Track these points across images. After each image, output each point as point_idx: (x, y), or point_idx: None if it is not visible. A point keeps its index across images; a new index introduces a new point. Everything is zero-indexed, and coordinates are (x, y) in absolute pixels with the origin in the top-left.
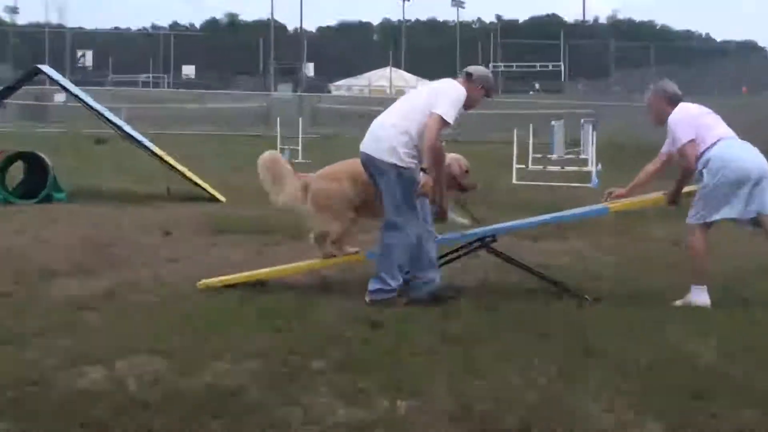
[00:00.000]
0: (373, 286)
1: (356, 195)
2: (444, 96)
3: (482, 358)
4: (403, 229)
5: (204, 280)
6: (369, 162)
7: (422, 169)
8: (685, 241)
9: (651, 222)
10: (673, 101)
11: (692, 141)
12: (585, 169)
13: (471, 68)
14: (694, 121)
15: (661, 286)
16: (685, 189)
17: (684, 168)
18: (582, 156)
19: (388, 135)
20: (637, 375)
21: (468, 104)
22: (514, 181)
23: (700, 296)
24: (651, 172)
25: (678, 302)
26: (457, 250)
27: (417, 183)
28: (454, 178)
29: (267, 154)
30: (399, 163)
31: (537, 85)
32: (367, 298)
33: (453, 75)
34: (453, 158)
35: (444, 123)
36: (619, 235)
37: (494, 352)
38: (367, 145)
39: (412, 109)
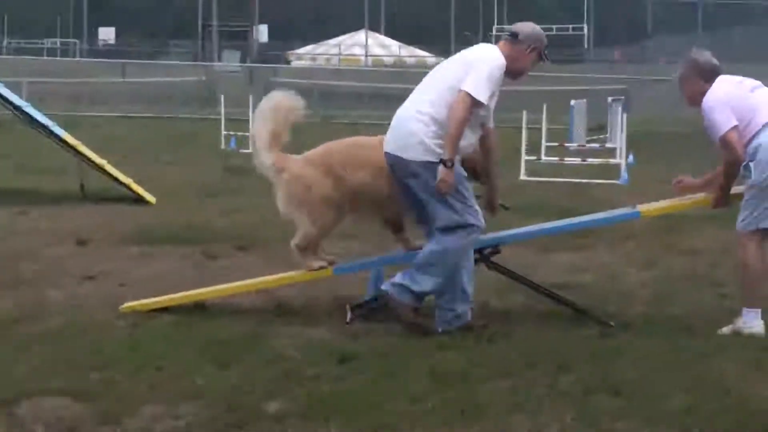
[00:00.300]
0: (446, 314)
1: (349, 187)
2: (475, 68)
3: (482, 402)
4: (462, 229)
5: (129, 303)
6: (397, 165)
7: (441, 162)
8: (736, 253)
9: (693, 229)
10: (708, 76)
11: (735, 128)
12: (612, 161)
13: (517, 26)
14: (736, 102)
15: (705, 310)
16: (734, 189)
17: (729, 161)
18: (609, 145)
19: (414, 128)
20: (672, 421)
21: (515, 72)
22: (522, 176)
23: (753, 322)
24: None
25: (725, 329)
26: None
27: (462, 175)
28: (472, 168)
29: (280, 97)
30: (433, 159)
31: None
32: (439, 329)
33: (446, 39)
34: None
35: (474, 102)
36: (654, 246)
37: (497, 393)
38: (390, 144)
39: (438, 88)
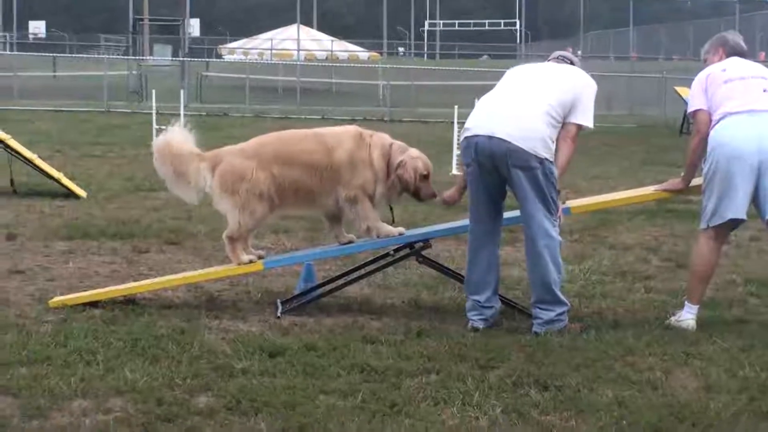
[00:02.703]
0: (546, 314)
1: (282, 180)
2: (584, 98)
3: (412, 396)
4: (555, 230)
5: (58, 297)
6: (514, 153)
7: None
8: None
9: (623, 225)
10: (728, 52)
11: (700, 111)
12: None
13: (570, 55)
14: (713, 89)
15: (633, 304)
16: (694, 181)
17: (692, 135)
18: None
19: (539, 125)
20: (601, 414)
21: None
22: (454, 171)
23: (685, 316)
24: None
25: (672, 319)
26: (378, 260)
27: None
28: (407, 184)
29: (158, 140)
30: (550, 157)
31: (485, 57)
32: (540, 330)
33: (378, 34)
34: (410, 157)
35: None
36: (585, 241)
37: (426, 387)
38: (509, 133)
39: (558, 98)
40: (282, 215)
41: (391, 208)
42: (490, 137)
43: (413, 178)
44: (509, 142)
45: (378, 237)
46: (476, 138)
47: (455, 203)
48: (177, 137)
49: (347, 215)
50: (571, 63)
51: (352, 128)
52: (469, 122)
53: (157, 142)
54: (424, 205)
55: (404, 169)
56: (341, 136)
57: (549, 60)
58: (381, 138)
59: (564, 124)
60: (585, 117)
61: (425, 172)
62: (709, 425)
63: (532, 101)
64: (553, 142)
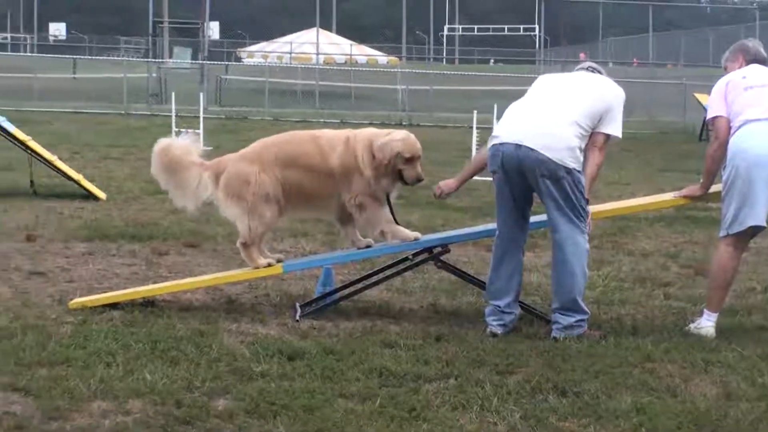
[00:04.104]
0: (566, 320)
1: (285, 183)
2: (614, 110)
3: (430, 401)
4: (584, 237)
5: (77, 299)
6: (543, 163)
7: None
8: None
9: (643, 231)
10: (748, 59)
11: (720, 117)
12: None
13: (597, 66)
14: (733, 96)
15: (652, 311)
16: (713, 188)
17: (711, 141)
18: None
19: (570, 133)
20: (619, 421)
21: None
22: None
23: (705, 324)
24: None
25: (691, 326)
26: (397, 264)
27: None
28: (383, 165)
29: (157, 146)
30: (578, 167)
31: (492, 61)
32: (559, 335)
33: (397, 38)
34: (391, 139)
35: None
36: (604, 247)
37: (445, 392)
38: (537, 143)
39: (588, 108)
40: (296, 219)
41: (391, 209)
42: (519, 145)
43: (388, 158)
44: (537, 152)
45: (393, 239)
46: (504, 146)
47: (450, 193)
48: (178, 144)
49: (357, 221)
50: (598, 71)
51: (344, 133)
52: (497, 130)
53: (156, 147)
54: (443, 209)
55: (382, 152)
56: (334, 141)
57: (577, 69)
58: (365, 134)
59: (592, 134)
60: (614, 127)
61: (408, 155)
62: None
63: (561, 111)
64: (581, 151)
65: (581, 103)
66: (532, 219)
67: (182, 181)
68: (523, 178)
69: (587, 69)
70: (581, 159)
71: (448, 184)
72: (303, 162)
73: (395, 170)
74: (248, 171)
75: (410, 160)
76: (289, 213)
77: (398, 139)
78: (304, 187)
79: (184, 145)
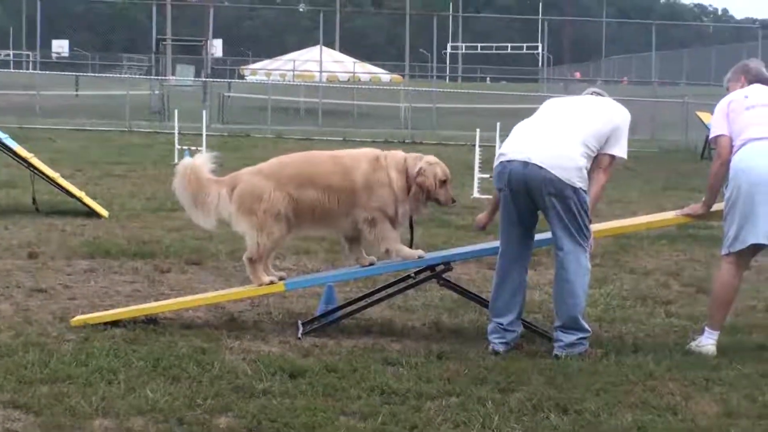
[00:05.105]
0: (568, 338)
1: (299, 202)
2: (619, 133)
3: (431, 420)
4: (586, 257)
5: (79, 316)
6: (550, 182)
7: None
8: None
9: (644, 250)
10: (750, 79)
11: (722, 136)
12: None
13: (601, 89)
14: (734, 115)
15: (653, 329)
16: (715, 207)
17: (714, 159)
18: None
19: (577, 153)
20: None
21: None
22: (475, 194)
23: (706, 342)
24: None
25: (692, 344)
26: (399, 282)
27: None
28: (427, 191)
29: (181, 165)
30: (584, 187)
31: (488, 79)
32: (560, 352)
33: (400, 57)
34: (428, 163)
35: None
36: (606, 265)
37: (446, 410)
38: (544, 161)
39: (596, 129)
40: (302, 236)
41: (411, 231)
42: (526, 163)
43: (434, 184)
44: (545, 170)
45: (398, 258)
46: (512, 163)
47: (486, 226)
48: (200, 163)
49: (366, 237)
50: (601, 95)
51: (369, 151)
52: (504, 147)
53: (180, 166)
54: (445, 228)
55: (424, 176)
56: (359, 158)
57: (585, 94)
58: (395, 156)
59: (598, 155)
60: (619, 149)
61: (444, 178)
62: None
63: (569, 131)
64: (587, 171)
65: (589, 124)
66: (541, 236)
67: (203, 200)
68: (529, 196)
69: (592, 94)
70: (587, 179)
71: (483, 220)
72: (320, 181)
73: (430, 193)
74: (262, 187)
75: (444, 183)
76: (298, 231)
77: (434, 162)
78: (318, 207)
79: (203, 163)
